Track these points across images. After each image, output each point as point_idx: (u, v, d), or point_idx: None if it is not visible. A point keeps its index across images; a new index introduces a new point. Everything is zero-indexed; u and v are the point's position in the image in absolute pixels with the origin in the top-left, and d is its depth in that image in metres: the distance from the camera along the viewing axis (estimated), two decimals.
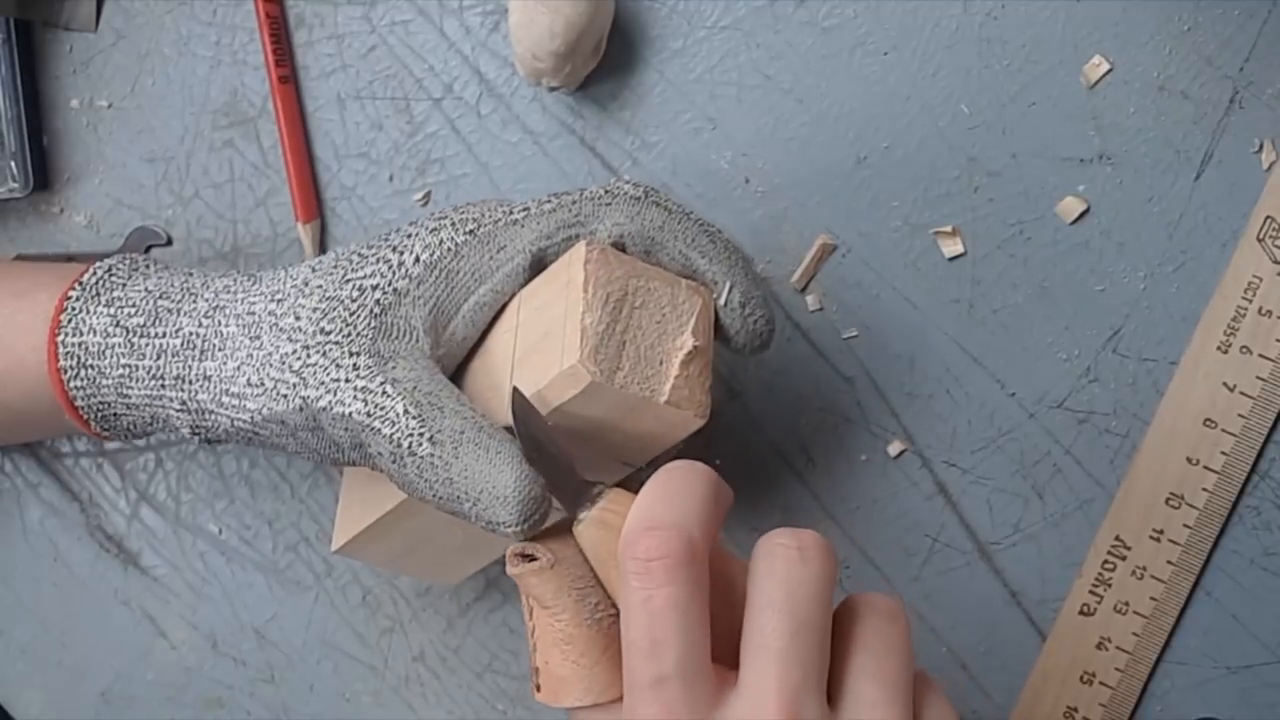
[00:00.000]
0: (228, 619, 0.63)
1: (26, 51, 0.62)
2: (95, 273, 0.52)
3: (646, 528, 0.41)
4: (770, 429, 0.59)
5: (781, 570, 0.41)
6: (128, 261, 0.53)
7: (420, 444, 0.44)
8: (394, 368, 0.46)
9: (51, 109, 0.63)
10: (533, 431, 0.44)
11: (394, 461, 0.45)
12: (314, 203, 0.61)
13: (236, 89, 0.61)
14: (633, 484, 0.44)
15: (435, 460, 0.44)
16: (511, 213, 0.49)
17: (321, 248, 0.61)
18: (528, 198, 0.50)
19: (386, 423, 0.45)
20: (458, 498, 0.44)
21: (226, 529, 0.63)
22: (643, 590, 0.40)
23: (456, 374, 0.50)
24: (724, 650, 0.42)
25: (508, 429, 0.45)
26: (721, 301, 0.48)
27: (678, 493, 0.42)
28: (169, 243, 0.62)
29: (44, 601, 0.65)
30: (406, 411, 0.45)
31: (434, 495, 0.45)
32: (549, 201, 0.49)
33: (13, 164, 0.62)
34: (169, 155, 0.62)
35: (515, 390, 0.44)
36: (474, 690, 0.62)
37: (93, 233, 0.63)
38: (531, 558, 0.43)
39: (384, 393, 0.45)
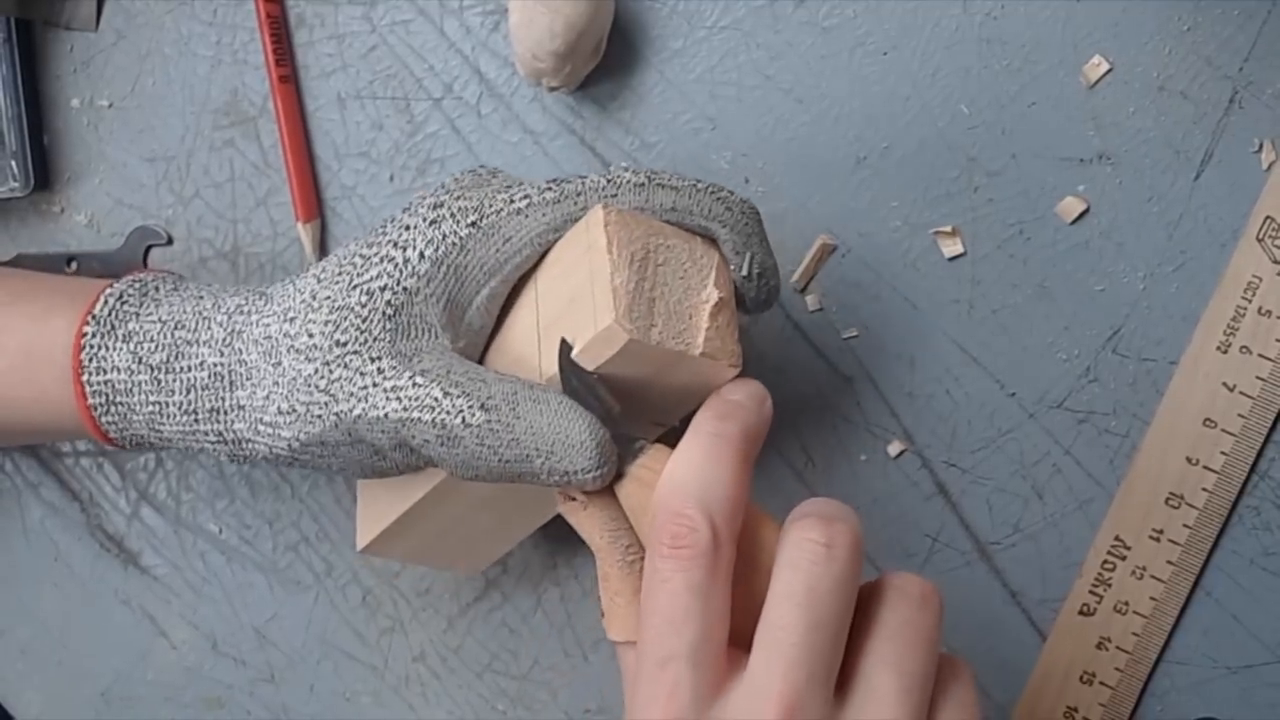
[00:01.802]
0: (228, 619, 0.63)
1: (27, 51, 0.62)
2: (106, 302, 0.51)
3: (676, 511, 0.41)
4: (770, 429, 0.58)
5: (805, 564, 0.41)
6: (137, 286, 0.52)
7: (474, 414, 0.44)
8: (419, 362, 0.46)
9: (52, 109, 0.63)
10: (577, 386, 0.44)
11: (445, 444, 0.45)
12: (314, 202, 0.61)
13: (237, 89, 0.62)
14: (671, 438, 0.45)
15: (494, 424, 0.44)
16: (513, 200, 0.48)
17: (321, 247, 0.61)
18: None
19: (426, 409, 0.45)
20: (527, 456, 0.44)
21: (226, 529, 0.63)
22: (664, 571, 0.41)
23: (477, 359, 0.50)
24: (742, 621, 0.42)
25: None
26: (743, 273, 0.47)
27: (710, 462, 0.42)
28: (169, 242, 0.62)
29: (44, 601, 0.65)
30: (447, 394, 0.45)
31: (499, 460, 0.44)
32: (550, 189, 0.48)
33: (13, 163, 0.62)
34: (169, 155, 0.62)
35: (563, 342, 0.44)
36: (474, 690, 0.62)
37: (93, 232, 0.63)
38: (572, 497, 0.45)
39: (415, 384, 0.45)
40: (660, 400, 0.47)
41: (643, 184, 0.47)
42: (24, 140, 0.62)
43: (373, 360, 0.46)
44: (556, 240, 0.48)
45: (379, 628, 0.62)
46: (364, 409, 0.46)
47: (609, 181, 0.47)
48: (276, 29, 0.60)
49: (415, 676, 0.62)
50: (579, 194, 0.47)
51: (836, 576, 0.41)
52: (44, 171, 0.63)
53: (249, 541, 0.63)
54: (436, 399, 0.45)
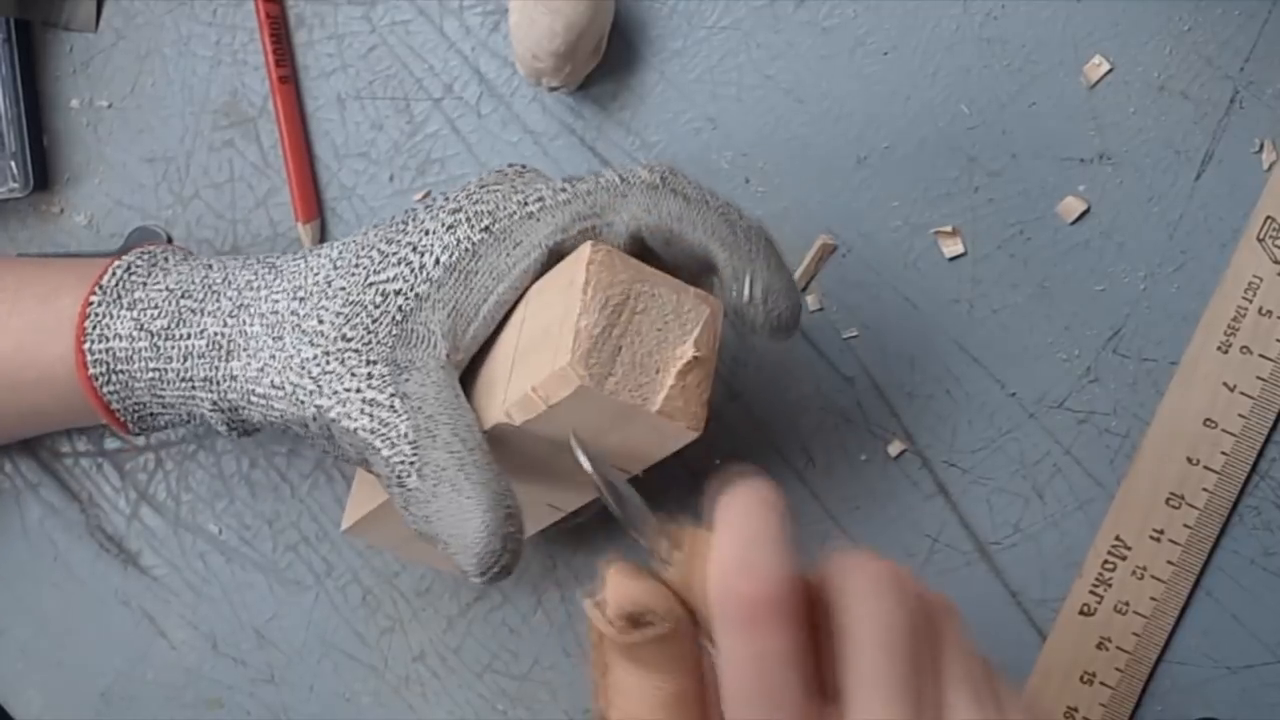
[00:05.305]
0: (228, 619, 0.63)
1: (26, 51, 0.62)
2: (115, 273, 0.51)
3: (742, 569, 0.37)
4: (770, 429, 0.59)
5: (887, 610, 0.38)
6: (146, 257, 0.52)
7: (409, 476, 0.44)
8: (407, 380, 0.45)
9: (51, 109, 0.63)
10: (604, 472, 0.41)
11: (388, 486, 0.45)
12: (314, 202, 0.61)
13: (236, 89, 0.61)
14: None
15: (419, 495, 0.44)
16: (526, 204, 0.47)
17: None
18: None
19: (387, 443, 0.44)
20: (435, 536, 0.44)
21: (226, 529, 0.63)
22: (751, 639, 0.36)
23: (468, 366, 0.49)
24: None
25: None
26: (745, 297, 0.46)
27: (759, 525, 0.38)
28: (169, 242, 0.62)
29: (44, 601, 0.65)
30: (405, 435, 0.44)
31: (418, 530, 0.45)
32: (564, 190, 0.47)
33: (13, 164, 0.62)
34: (169, 155, 0.62)
35: (574, 433, 0.43)
36: (474, 690, 0.62)
37: (93, 233, 0.63)
38: (643, 622, 0.37)
39: (390, 408, 0.45)
40: (622, 448, 0.46)
41: (655, 186, 0.46)
42: (23, 141, 0.62)
43: (368, 364, 0.46)
44: (565, 241, 0.47)
45: (379, 628, 0.62)
46: (339, 413, 0.45)
47: (622, 180, 0.46)
48: (276, 29, 0.60)
49: (415, 676, 0.62)
50: (589, 193, 0.46)
51: (910, 610, 0.39)
52: (43, 172, 0.63)
53: (249, 541, 0.63)
54: (399, 435, 0.44)
